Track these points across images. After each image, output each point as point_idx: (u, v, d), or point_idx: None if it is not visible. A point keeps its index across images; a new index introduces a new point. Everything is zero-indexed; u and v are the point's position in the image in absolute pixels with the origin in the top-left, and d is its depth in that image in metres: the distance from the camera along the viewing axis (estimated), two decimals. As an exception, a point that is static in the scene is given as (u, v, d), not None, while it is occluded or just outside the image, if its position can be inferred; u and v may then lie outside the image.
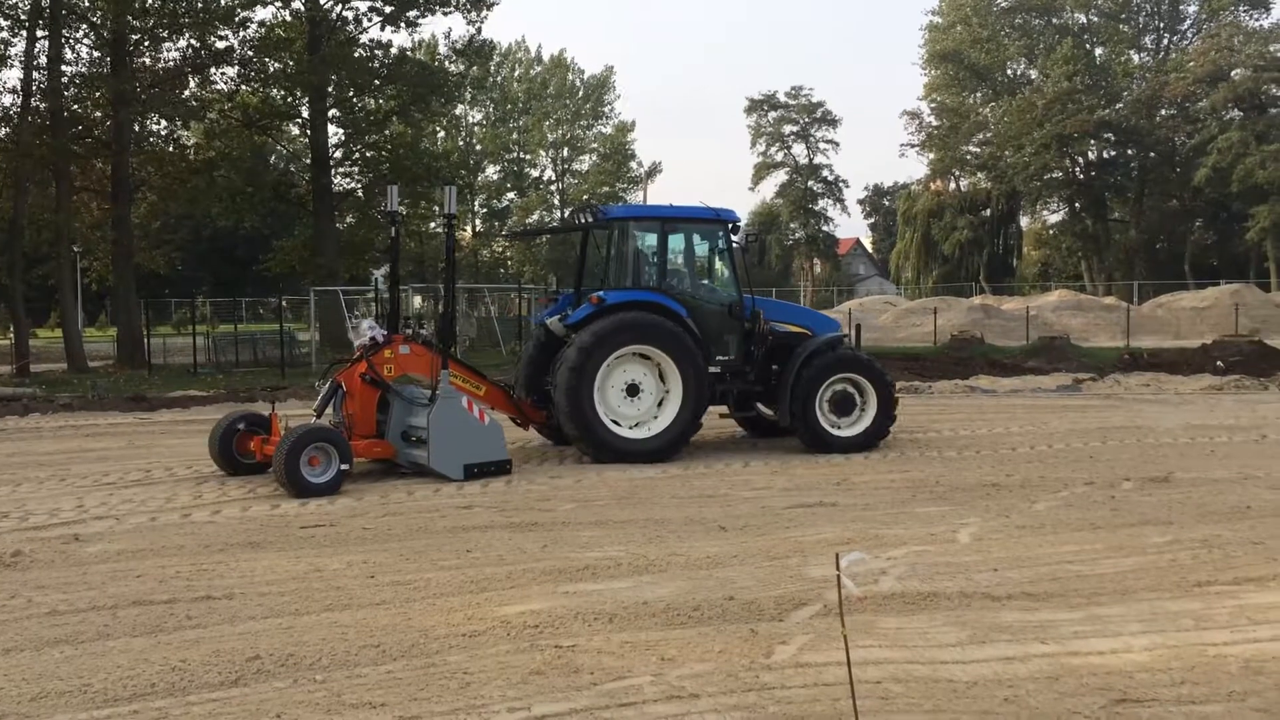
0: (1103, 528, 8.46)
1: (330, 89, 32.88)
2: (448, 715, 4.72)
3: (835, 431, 12.81)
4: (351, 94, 33.83)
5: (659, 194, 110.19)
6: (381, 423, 11.55)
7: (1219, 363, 22.39)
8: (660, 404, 12.32)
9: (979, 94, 72.63)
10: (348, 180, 36.29)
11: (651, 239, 12.89)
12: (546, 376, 12.40)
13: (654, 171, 76.29)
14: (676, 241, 13.20)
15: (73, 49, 29.17)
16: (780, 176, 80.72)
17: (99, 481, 11.23)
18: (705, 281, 13.37)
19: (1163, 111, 63.04)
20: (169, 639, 5.84)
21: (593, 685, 5.03)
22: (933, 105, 73.41)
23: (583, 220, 13.62)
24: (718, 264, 13.32)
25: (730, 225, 13.22)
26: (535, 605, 6.36)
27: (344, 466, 10.47)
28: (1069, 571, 7.07)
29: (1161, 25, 69.19)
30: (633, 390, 12.21)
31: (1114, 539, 8.05)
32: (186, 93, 30.85)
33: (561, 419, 12.03)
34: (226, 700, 4.94)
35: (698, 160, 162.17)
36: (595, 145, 77.01)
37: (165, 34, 29.09)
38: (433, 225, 57.03)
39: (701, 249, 13.37)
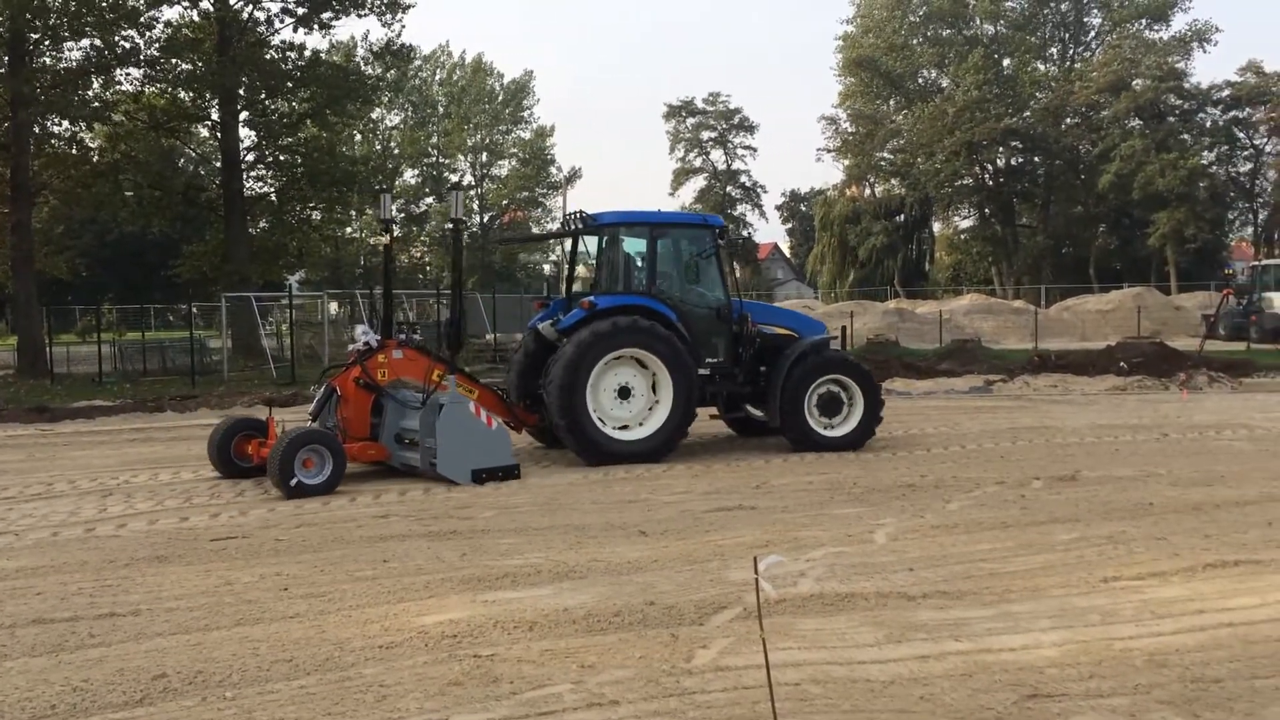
0: (1013, 526, 8.65)
1: (241, 91, 32.15)
2: (363, 730, 4.63)
3: (824, 432, 13.07)
4: (263, 96, 33.11)
5: (580, 199, 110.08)
6: (375, 426, 11.78)
7: (1122, 364, 23.07)
8: (651, 406, 12.52)
9: (893, 101, 74.04)
10: (260, 184, 35.55)
11: (641, 244, 13.11)
12: (538, 380, 12.55)
13: (574, 177, 76.32)
14: (665, 246, 13.35)
15: (-34, 48, 28.10)
16: (699, 182, 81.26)
17: (-3, 496, 10.80)
18: (693, 285, 13.55)
19: (1068, 120, 64.99)
20: (70, 658, 5.63)
21: (512, 695, 4.98)
22: (848, 112, 74.62)
23: (573, 226, 13.75)
24: (705, 268, 13.51)
25: (717, 230, 13.52)
26: (454, 614, 6.27)
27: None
28: (982, 570, 7.21)
29: (1067, 36, 71.40)
30: (624, 392, 12.41)
31: (1024, 537, 8.25)
32: (90, 93, 29.87)
33: (555, 422, 12.17)
34: (131, 721, 4.78)
35: (618, 165, 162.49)
36: (515, 150, 76.72)
37: (67, 33, 28.14)
38: (349, 230, 56.25)
39: (689, 254, 13.56)
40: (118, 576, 7.38)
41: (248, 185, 34.22)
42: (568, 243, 14.53)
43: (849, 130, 74.33)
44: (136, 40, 29.37)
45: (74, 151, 30.85)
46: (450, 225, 12.13)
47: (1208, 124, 62.25)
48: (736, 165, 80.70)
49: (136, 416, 18.67)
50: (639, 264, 13.12)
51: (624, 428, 12.42)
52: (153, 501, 10.34)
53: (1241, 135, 63.08)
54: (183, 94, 32.40)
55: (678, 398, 12.39)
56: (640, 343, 12.28)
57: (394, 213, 13.32)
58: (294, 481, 10.35)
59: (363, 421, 11.73)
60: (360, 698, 4.98)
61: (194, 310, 33.41)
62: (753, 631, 5.73)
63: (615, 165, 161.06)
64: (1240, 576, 6.95)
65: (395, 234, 70.44)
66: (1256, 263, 42.90)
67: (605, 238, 13.40)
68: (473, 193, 75.69)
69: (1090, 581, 6.87)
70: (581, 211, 13.30)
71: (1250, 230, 67.28)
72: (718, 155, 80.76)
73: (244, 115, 33.35)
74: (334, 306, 39.56)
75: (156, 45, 29.91)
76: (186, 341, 28.15)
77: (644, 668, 5.32)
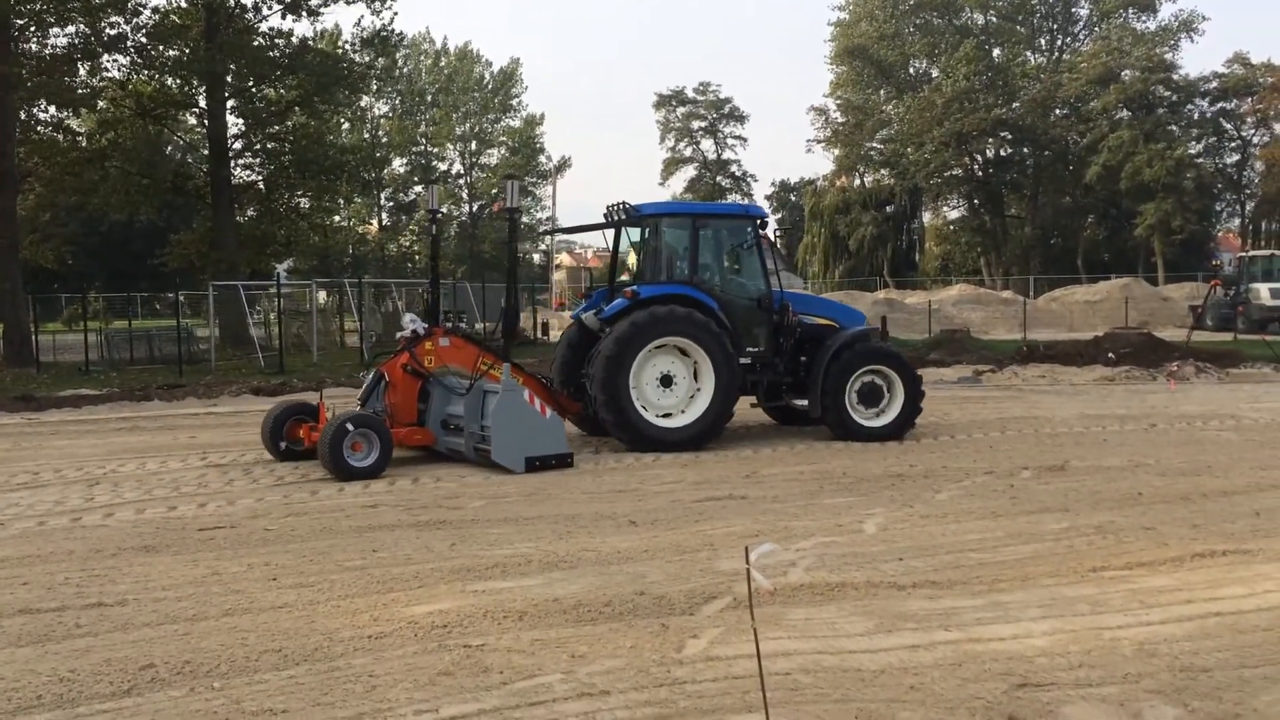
0: (1003, 516, 8.67)
1: (229, 78, 31.97)
2: (353, 720, 4.61)
3: (864, 422, 13.17)
4: (251, 83, 32.94)
5: (570, 188, 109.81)
6: (422, 411, 12.10)
7: (1110, 354, 23.11)
8: (693, 394, 12.67)
9: (883, 91, 74.05)
10: (248, 172, 35.40)
11: (683, 235, 13.25)
12: (581, 369, 12.75)
13: (563, 166, 76.25)
14: (707, 237, 13.47)
15: (-48, 33, 27.85)
16: (689, 171, 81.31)
17: (-18, 485, 10.72)
18: (735, 275, 13.68)
19: (1056, 111, 65.07)
20: (57, 648, 5.59)
21: (502, 685, 4.96)
22: (838, 102, 74.62)
23: (616, 217, 13.90)
24: (746, 258, 13.66)
25: (759, 220, 13.65)
26: (443, 605, 6.25)
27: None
28: (971, 559, 7.23)
29: (1055, 27, 71.48)
30: (666, 381, 12.59)
31: (1013, 526, 8.27)
32: (76, 80, 29.64)
33: (599, 409, 12.34)
34: (118, 711, 4.74)
35: (608, 154, 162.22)
36: (504, 139, 76.55)
37: (53, 19, 27.91)
38: (337, 219, 56.02)
39: (731, 244, 13.71)
40: (105, 566, 7.34)
41: (235, 173, 34.10)
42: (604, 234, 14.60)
43: (839, 120, 74.37)
44: (123, 26, 29.22)
45: (60, 138, 30.66)
46: (508, 214, 12.41)
47: (1195, 115, 62.45)
48: (727, 155, 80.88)
49: (123, 405, 18.56)
50: (681, 254, 13.25)
51: (667, 415, 12.57)
52: (140, 491, 10.29)
53: (1229, 126, 63.32)
54: (170, 81, 32.24)
55: (719, 386, 12.52)
56: (681, 331, 12.43)
57: (437, 203, 13.70)
58: (379, 454, 10.85)
59: (410, 407, 12.05)
60: (349, 688, 4.96)
61: (181, 299, 33.27)
62: (743, 621, 5.73)
63: (606, 155, 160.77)
64: (1228, 566, 6.98)
65: (385, 223, 70.04)
66: (1243, 254, 43.07)
67: (648, 228, 13.52)
68: (461, 181, 75.51)
69: (1079, 571, 6.88)
70: (625, 203, 13.48)
71: (1237, 221, 67.61)
72: (708, 145, 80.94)
73: (231, 102, 33.20)
74: (322, 296, 39.41)
75: (144, 32, 29.75)
76: (174, 330, 27.99)
77: (634, 657, 5.32)
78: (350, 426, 10.74)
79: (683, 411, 12.62)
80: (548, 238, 74.83)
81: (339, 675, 5.12)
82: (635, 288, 12.76)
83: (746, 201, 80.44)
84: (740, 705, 4.67)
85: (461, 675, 5.09)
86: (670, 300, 12.54)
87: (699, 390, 12.64)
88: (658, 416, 12.50)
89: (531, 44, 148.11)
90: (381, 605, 6.27)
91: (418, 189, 73.13)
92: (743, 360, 12.89)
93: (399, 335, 12.86)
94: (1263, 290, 35.81)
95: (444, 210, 73.96)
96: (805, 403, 13.29)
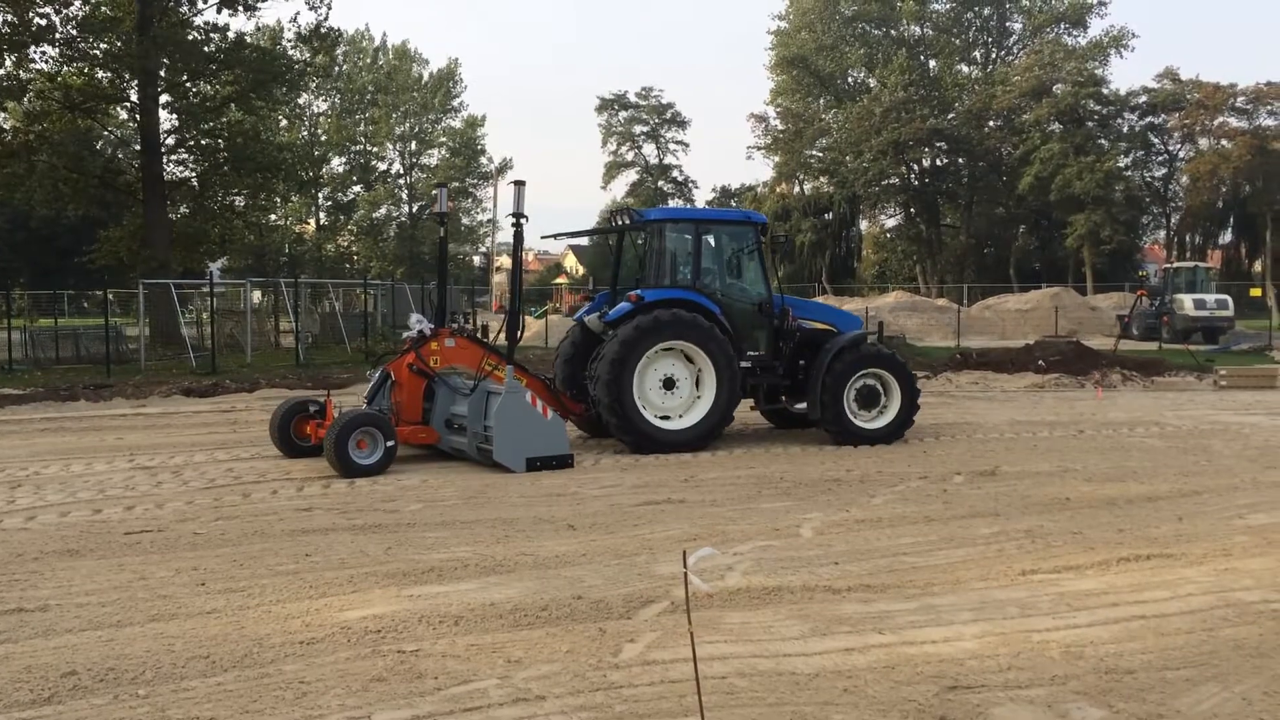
0: (936, 520, 8.80)
1: (162, 72, 31.28)
2: (283, 727, 4.53)
3: (862, 424, 13.36)
4: (185, 78, 32.24)
5: (510, 191, 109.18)
6: (427, 410, 12.32)
7: (1041, 362, 23.56)
8: (695, 397, 12.85)
9: (822, 100, 74.85)
10: (181, 168, 34.64)
11: (686, 240, 13.40)
12: (584, 371, 12.87)
13: (504, 167, 75.79)
14: (709, 242, 13.63)
15: None
16: (631, 176, 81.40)
17: (-103, 487, 10.37)
18: (736, 280, 13.83)
19: (990, 123, 66.29)
20: (-26, 656, 5.42)
21: (437, 690, 4.92)
22: (778, 110, 75.28)
23: (620, 222, 13.98)
24: (748, 263, 13.84)
25: (760, 227, 13.84)
26: (377, 609, 6.18)
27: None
28: (905, 563, 7.32)
29: (990, 40, 72.83)
30: (669, 383, 12.78)
31: (946, 531, 8.39)
32: (1, 71, 28.82)
33: (602, 411, 12.48)
34: (39, 719, 4.62)
35: (550, 157, 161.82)
36: (444, 139, 75.94)
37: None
38: (273, 217, 55.12)
39: (733, 249, 13.85)
40: (26, 571, 7.14)
41: (169, 169, 33.34)
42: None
43: (778, 128, 75.01)
44: (52, 17, 28.45)
45: (-16, 131, 29.80)
46: (512, 220, 12.41)
47: (1124, 129, 64.01)
48: (668, 160, 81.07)
49: (48, 405, 18.07)
50: (684, 259, 13.39)
51: (670, 417, 12.72)
52: (64, 493, 10.03)
53: (1156, 141, 64.98)
54: (100, 74, 31.43)
55: (720, 389, 12.71)
56: (684, 335, 12.59)
57: (448, 206, 13.64)
58: (384, 451, 11.07)
59: (415, 406, 12.22)
60: (280, 695, 4.87)
61: (110, 297, 32.44)
62: (680, 625, 5.74)
63: (548, 157, 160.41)
64: (1152, 569, 7.16)
65: (323, 223, 68.84)
66: (1169, 265, 44.19)
67: (652, 233, 13.62)
68: (401, 182, 74.79)
69: (1009, 574, 7.01)
70: (629, 207, 13.53)
71: (1163, 234, 69.35)
72: (650, 150, 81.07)
73: (165, 97, 32.46)
74: (257, 295, 38.74)
75: (74, 23, 29.00)
76: (101, 329, 27.28)
77: (571, 662, 5.30)
78: (346, 466, 10.92)
79: (685, 414, 12.80)
80: (551, 239, 74.35)
81: (269, 682, 5.03)
82: (639, 291, 12.89)
83: (688, 206, 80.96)
84: (677, 709, 4.68)
85: (395, 681, 5.03)
86: (673, 304, 12.72)
87: (701, 393, 12.83)
88: (660, 419, 12.67)
89: (471, 46, 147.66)
90: (314, 610, 6.18)
91: (357, 188, 72.28)
92: (743, 364, 13.08)
93: (405, 335, 13.04)
94: (1186, 301, 36.79)
95: (384, 210, 73.32)
96: (804, 406, 13.48)
